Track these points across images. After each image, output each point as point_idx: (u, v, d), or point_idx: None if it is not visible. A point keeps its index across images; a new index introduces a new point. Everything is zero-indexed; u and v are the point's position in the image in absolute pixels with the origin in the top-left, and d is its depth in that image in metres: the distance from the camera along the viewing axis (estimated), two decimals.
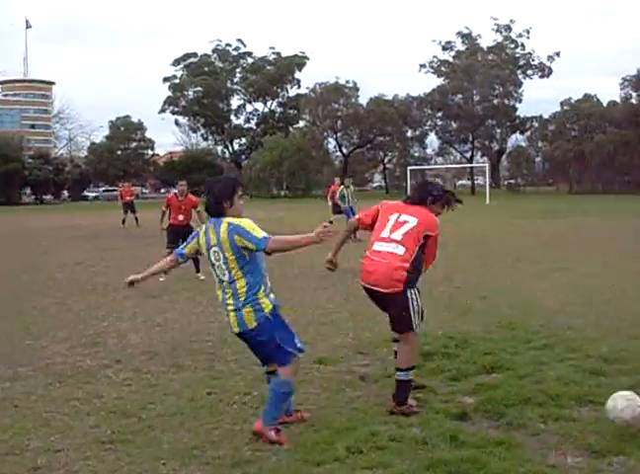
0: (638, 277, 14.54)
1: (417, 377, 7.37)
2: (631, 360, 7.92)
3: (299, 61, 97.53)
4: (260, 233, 5.72)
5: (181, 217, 15.77)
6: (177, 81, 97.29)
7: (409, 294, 6.48)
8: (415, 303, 6.54)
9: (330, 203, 26.84)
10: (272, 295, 6.05)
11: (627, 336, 9.22)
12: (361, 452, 5.44)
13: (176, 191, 16.74)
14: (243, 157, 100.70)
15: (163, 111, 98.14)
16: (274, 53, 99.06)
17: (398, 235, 6.54)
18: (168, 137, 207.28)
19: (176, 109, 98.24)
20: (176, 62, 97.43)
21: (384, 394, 6.87)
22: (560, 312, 10.94)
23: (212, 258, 5.86)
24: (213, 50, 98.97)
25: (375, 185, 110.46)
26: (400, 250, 6.48)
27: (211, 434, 6.00)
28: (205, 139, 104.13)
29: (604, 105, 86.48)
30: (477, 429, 5.99)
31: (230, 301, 5.83)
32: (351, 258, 17.38)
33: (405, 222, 6.59)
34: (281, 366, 5.92)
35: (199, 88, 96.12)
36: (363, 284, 6.73)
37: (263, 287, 5.93)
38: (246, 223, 5.77)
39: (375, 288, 6.56)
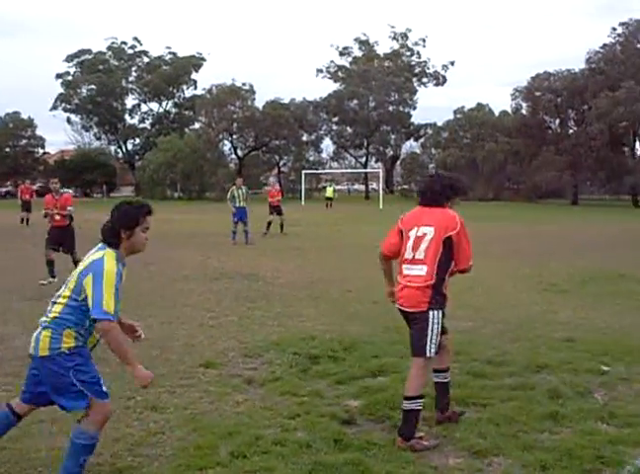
0: (522, 282, 14.92)
1: (303, 381, 7.39)
2: (514, 363, 8.11)
3: (196, 62, 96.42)
4: (109, 305, 4.87)
5: (58, 217, 15.03)
6: (70, 78, 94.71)
7: (431, 315, 6.08)
8: (435, 327, 6.09)
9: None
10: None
11: (510, 339, 9.45)
12: (245, 457, 5.38)
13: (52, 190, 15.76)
14: (137, 157, 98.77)
15: (55, 108, 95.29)
16: (170, 53, 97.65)
17: (421, 253, 6.15)
18: (60, 135, 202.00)
19: (68, 106, 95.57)
20: (69, 59, 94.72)
21: (270, 398, 6.86)
22: (448, 316, 10.90)
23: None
24: (108, 48, 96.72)
25: (269, 188, 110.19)
26: (423, 270, 6.11)
27: None
28: (99, 138, 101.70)
29: (496, 114, 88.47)
30: (362, 431, 6.01)
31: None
32: (244, 264, 17.44)
33: (424, 235, 6.19)
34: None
35: (92, 86, 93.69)
36: (397, 306, 6.47)
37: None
38: (109, 276, 4.92)
39: (402, 308, 6.38)
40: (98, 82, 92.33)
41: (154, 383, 7.19)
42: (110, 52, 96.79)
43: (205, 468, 5.22)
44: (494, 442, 5.69)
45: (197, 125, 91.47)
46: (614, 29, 72.91)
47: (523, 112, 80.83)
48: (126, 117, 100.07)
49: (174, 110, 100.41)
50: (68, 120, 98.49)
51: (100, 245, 5.14)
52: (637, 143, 76.30)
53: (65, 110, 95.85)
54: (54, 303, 5.04)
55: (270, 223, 26.69)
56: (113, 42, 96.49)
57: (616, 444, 5.69)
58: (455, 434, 5.87)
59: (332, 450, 5.50)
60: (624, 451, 5.56)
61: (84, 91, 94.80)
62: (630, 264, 18.55)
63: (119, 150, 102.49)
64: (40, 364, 4.99)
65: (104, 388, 5.08)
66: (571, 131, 79.03)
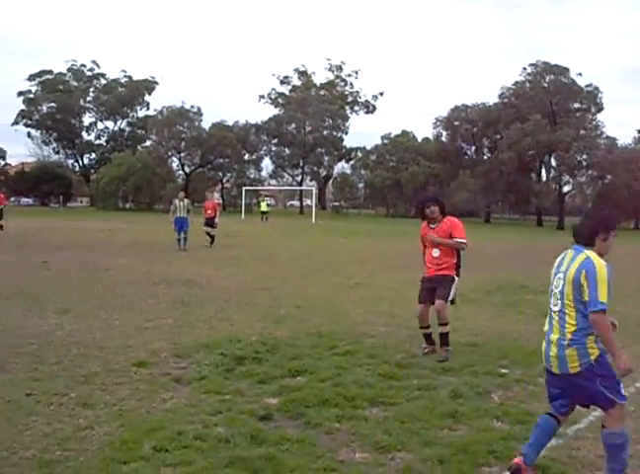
0: None
1: (228, 380, 7.26)
2: (421, 366, 8.10)
3: (149, 85, 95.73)
4: (603, 296, 4.65)
5: None
6: (31, 96, 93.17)
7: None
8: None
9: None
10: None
11: (419, 344, 9.38)
12: (167, 451, 5.22)
13: None
14: (92, 171, 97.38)
15: (16, 123, 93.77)
16: (125, 76, 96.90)
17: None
18: (21, 148, 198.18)
19: (29, 122, 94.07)
20: (31, 78, 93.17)
21: (195, 396, 6.70)
22: (364, 322, 11.05)
23: (554, 283, 5.05)
24: (68, 69, 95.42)
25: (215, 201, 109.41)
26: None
27: (23, 434, 5.56)
28: (57, 153, 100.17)
29: (419, 141, 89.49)
30: (278, 427, 5.90)
31: (554, 336, 4.97)
32: (183, 271, 17.18)
33: None
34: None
35: (52, 104, 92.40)
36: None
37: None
38: (601, 271, 4.72)
39: None
40: (58, 100, 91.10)
41: (88, 381, 7.04)
42: (70, 74, 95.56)
43: (129, 462, 5.04)
44: (398, 439, 5.64)
45: (148, 143, 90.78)
46: (525, 68, 74.59)
47: (443, 139, 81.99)
48: (84, 133, 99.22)
49: (128, 128, 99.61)
50: (29, 135, 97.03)
51: (575, 247, 5.00)
52: (543, 170, 77.85)
53: (26, 125, 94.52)
54: (560, 318, 4.92)
55: (208, 234, 26.31)
56: (72, 65, 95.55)
57: (508, 440, 5.69)
58: (363, 431, 5.80)
59: (248, 445, 5.38)
60: (515, 447, 5.53)
61: (44, 108, 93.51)
62: (532, 276, 18.79)
63: (75, 164, 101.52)
64: (567, 381, 4.93)
65: (622, 390, 4.89)
66: (485, 158, 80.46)
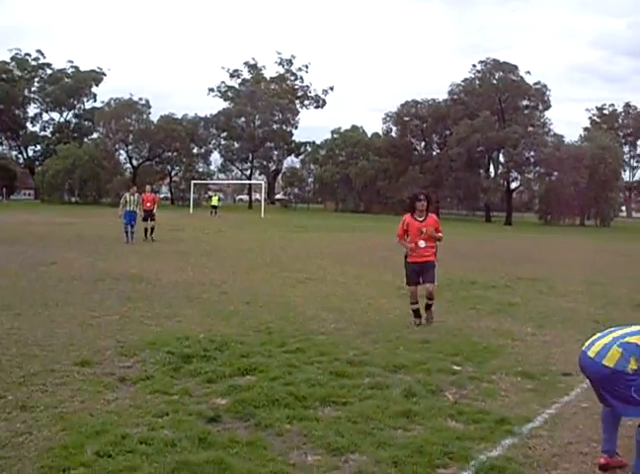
0: (385, 288, 14.89)
1: (175, 380, 7.02)
2: (373, 363, 7.96)
3: (96, 76, 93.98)
4: None
5: None
6: None
7: None
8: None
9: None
10: None
11: (371, 340, 9.30)
12: (110, 456, 4.97)
13: None
14: (37, 163, 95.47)
15: None
16: (72, 67, 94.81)
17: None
18: None
19: None
20: None
21: (140, 396, 6.43)
22: (314, 318, 10.88)
23: None
24: (12, 58, 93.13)
25: (162, 196, 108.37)
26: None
27: None
28: (0, 144, 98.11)
29: (369, 136, 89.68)
30: (227, 429, 5.69)
31: None
32: (129, 266, 16.82)
33: None
34: None
35: None
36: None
37: None
38: None
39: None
40: (1, 90, 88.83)
41: (27, 382, 6.71)
42: (13, 63, 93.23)
43: (69, 469, 4.77)
44: (351, 440, 5.48)
45: (95, 136, 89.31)
46: (474, 65, 75.07)
47: (393, 134, 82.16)
48: (28, 124, 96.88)
49: (74, 120, 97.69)
50: None
51: None
52: (491, 166, 78.59)
53: None
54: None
55: (146, 230, 26.06)
56: (16, 53, 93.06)
57: (463, 440, 5.60)
58: (315, 432, 5.62)
59: (196, 449, 5.17)
60: (471, 447, 5.47)
61: None
62: (482, 272, 18.88)
63: (19, 156, 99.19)
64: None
65: None
66: (434, 153, 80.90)
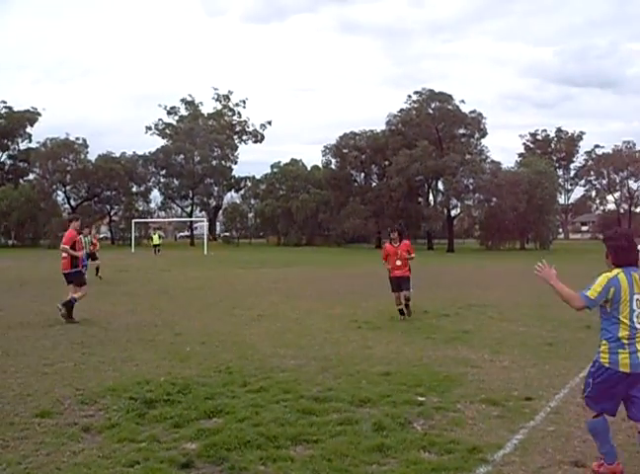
0: (338, 321, 14.90)
1: (141, 426, 6.89)
2: (339, 398, 7.93)
3: (31, 116, 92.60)
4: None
5: None
6: None
7: None
8: None
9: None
10: None
11: (333, 375, 9.28)
12: None
13: None
14: None
15: None
16: (5, 107, 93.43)
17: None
18: None
19: None
20: None
21: (108, 446, 6.27)
22: (273, 355, 10.82)
23: (635, 304, 5.55)
24: None
25: (102, 236, 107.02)
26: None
27: None
28: None
29: (309, 168, 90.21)
30: None
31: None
32: (78, 309, 16.44)
33: None
34: None
35: None
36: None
37: None
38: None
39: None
40: None
41: None
42: None
43: None
44: None
45: (31, 177, 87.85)
46: (410, 96, 76.11)
47: (333, 166, 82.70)
48: None
49: (9, 161, 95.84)
50: None
51: (633, 269, 5.65)
52: (431, 194, 79.60)
53: None
54: None
55: (97, 268, 26.37)
56: None
57: (439, 471, 5.63)
58: (290, 473, 5.57)
59: None
60: None
61: None
62: (432, 300, 19.00)
63: None
64: None
65: None
66: (374, 184, 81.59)
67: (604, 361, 5.56)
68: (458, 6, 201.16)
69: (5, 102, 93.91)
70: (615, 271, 5.63)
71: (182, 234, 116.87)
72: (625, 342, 5.49)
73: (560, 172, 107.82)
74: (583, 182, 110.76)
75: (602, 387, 5.58)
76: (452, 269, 38.08)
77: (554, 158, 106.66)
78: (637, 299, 5.53)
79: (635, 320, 5.51)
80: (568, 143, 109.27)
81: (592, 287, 5.59)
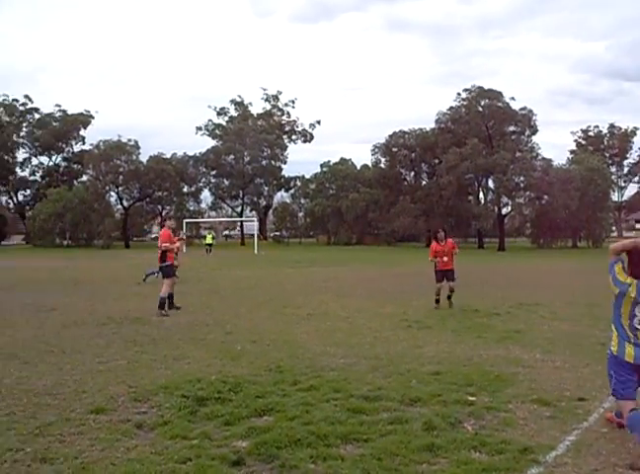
0: (388, 320, 14.86)
1: (192, 424, 6.96)
2: (389, 397, 7.90)
3: (84, 119, 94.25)
4: None
5: None
6: None
7: None
8: None
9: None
10: None
11: (383, 374, 9.25)
12: None
13: None
14: (27, 208, 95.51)
15: None
16: (60, 111, 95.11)
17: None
18: None
19: None
20: None
21: (160, 442, 6.35)
22: (323, 354, 10.83)
23: (637, 310, 6.19)
24: (0, 104, 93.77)
25: (154, 235, 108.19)
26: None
27: None
28: None
29: (358, 167, 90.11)
30: (252, 473, 5.63)
31: None
32: (130, 308, 16.74)
33: None
34: None
35: None
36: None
37: None
38: None
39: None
40: None
41: (43, 432, 6.63)
42: (1, 109, 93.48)
43: None
44: None
45: (85, 178, 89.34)
46: (459, 93, 75.61)
47: (382, 165, 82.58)
48: (17, 169, 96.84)
49: (63, 163, 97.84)
50: None
51: None
52: (481, 193, 78.92)
53: None
54: None
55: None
56: (4, 99, 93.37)
57: (490, 472, 5.57)
58: (340, 471, 5.57)
59: None
60: None
61: None
62: (482, 299, 18.88)
63: (9, 201, 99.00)
64: None
65: None
66: (424, 183, 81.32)
67: (614, 350, 6.35)
68: (508, 1, 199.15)
69: (59, 105, 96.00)
70: (629, 279, 6.26)
71: (226, 233, 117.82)
72: (630, 334, 6.20)
73: (613, 168, 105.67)
74: (637, 178, 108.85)
75: (619, 374, 6.28)
76: (503, 267, 37.74)
77: (607, 155, 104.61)
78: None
79: (635, 321, 6.18)
80: (621, 139, 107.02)
81: (615, 269, 6.38)
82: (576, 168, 73.08)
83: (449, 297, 17.29)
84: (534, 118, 74.05)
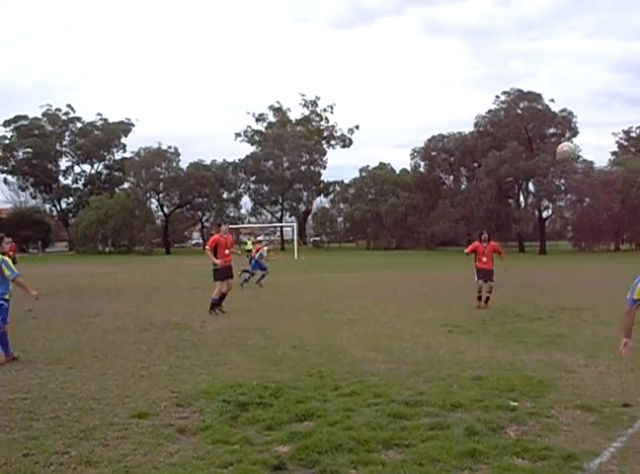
0: (429, 325, 14.78)
1: (234, 429, 6.98)
2: (430, 403, 7.86)
3: (125, 127, 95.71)
4: None
5: None
6: (7, 141, 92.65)
7: None
8: None
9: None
10: None
11: (424, 379, 9.20)
12: None
13: None
14: (70, 215, 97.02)
15: None
16: (101, 119, 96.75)
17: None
18: None
19: (5, 168, 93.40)
20: (7, 123, 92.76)
21: (202, 447, 6.38)
22: (364, 359, 10.81)
23: None
24: (43, 114, 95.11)
25: (194, 242, 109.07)
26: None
27: None
28: (34, 197, 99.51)
29: (397, 172, 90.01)
30: None
31: None
32: (171, 314, 16.87)
33: None
34: None
35: (28, 149, 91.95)
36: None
37: None
38: None
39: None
40: (34, 145, 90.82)
41: (88, 436, 6.71)
42: (45, 118, 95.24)
43: None
44: None
45: (126, 185, 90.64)
46: (498, 96, 75.19)
47: (421, 169, 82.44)
48: (60, 177, 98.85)
49: (105, 171, 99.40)
50: (5, 181, 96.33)
51: None
52: (521, 196, 78.26)
53: (2, 171, 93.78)
54: None
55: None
56: (48, 109, 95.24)
57: None
58: None
59: None
60: None
61: (20, 153, 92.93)
62: (524, 303, 18.72)
63: (53, 208, 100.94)
64: None
65: None
66: (463, 186, 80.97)
67: None
68: (545, 3, 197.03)
69: (101, 114, 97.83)
70: None
71: (259, 238, 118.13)
72: None
73: None
74: None
75: None
76: (545, 271, 37.37)
77: None
78: None
79: None
80: None
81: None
82: (618, 170, 72.21)
83: (487, 299, 18.26)
84: (575, 119, 73.51)
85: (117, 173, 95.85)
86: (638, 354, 10.86)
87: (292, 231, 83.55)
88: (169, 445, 6.48)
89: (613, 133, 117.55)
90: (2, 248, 11.25)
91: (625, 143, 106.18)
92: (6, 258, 10.84)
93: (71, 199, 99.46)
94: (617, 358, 10.61)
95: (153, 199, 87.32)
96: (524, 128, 72.86)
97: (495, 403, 7.82)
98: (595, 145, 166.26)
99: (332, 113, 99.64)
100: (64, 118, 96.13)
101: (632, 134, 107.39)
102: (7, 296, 10.78)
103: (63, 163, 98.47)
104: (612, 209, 66.82)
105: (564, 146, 14.64)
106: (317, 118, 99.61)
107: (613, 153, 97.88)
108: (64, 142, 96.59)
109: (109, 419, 7.36)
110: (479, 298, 18.33)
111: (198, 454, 6.19)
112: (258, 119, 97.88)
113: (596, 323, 14.88)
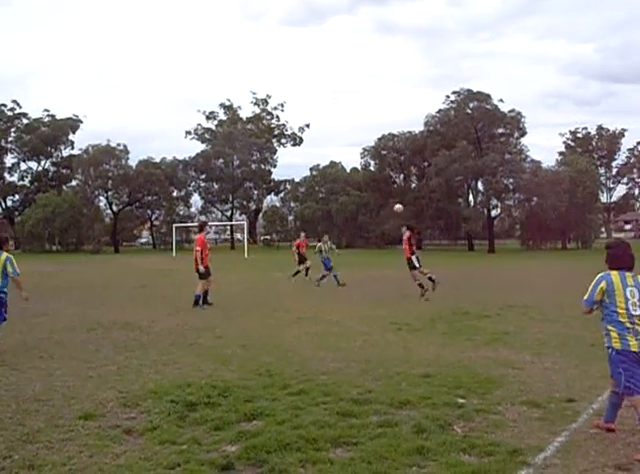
0: (378, 323, 14.85)
1: (182, 429, 6.93)
2: (378, 400, 7.90)
3: (73, 124, 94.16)
4: None
5: None
6: None
7: None
8: None
9: (295, 256, 29.93)
10: None
11: (373, 378, 9.25)
12: None
13: None
14: (16, 213, 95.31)
15: None
16: (48, 115, 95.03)
17: None
18: None
19: None
20: None
21: (149, 448, 6.33)
22: (313, 358, 10.83)
23: (628, 295, 6.50)
24: None
25: (143, 240, 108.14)
26: None
27: None
28: None
29: (348, 171, 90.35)
30: None
31: None
32: (120, 314, 16.69)
33: None
34: None
35: None
36: None
37: None
38: None
39: None
40: None
41: (32, 439, 6.59)
42: None
43: None
44: None
45: (74, 183, 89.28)
46: (448, 96, 75.87)
47: (372, 168, 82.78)
48: (6, 174, 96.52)
49: (52, 168, 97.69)
50: None
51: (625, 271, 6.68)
52: (470, 195, 79.13)
53: None
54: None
55: (307, 269, 28.93)
56: None
57: None
58: None
59: None
60: None
61: None
62: (472, 302, 18.89)
63: None
64: None
65: None
66: (413, 185, 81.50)
67: (617, 346, 6.46)
68: (497, 4, 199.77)
69: (48, 110, 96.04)
70: (609, 271, 6.73)
71: (222, 237, 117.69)
72: (629, 326, 6.42)
73: (602, 170, 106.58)
74: (625, 180, 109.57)
75: (628, 368, 6.37)
76: (493, 269, 37.83)
77: (595, 156, 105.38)
78: (630, 291, 6.51)
79: (630, 307, 6.44)
80: (609, 141, 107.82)
81: (587, 290, 6.75)
82: (565, 170, 73.48)
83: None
84: (523, 120, 74.56)
85: (64, 170, 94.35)
86: (581, 350, 11.12)
87: (243, 230, 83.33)
88: (115, 447, 6.40)
89: (561, 134, 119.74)
90: (6, 247, 12.00)
91: (572, 144, 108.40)
92: (11, 256, 11.73)
93: (17, 197, 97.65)
94: (562, 355, 10.85)
95: (102, 197, 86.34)
96: (474, 128, 73.64)
97: (443, 400, 7.90)
98: (543, 145, 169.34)
99: (283, 111, 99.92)
100: (10, 113, 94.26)
101: (579, 135, 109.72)
102: (5, 290, 11.80)
103: (9, 160, 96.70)
104: (559, 209, 67.94)
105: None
106: (268, 117, 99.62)
107: (561, 153, 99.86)
108: (10, 138, 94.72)
109: (54, 421, 7.24)
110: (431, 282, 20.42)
111: (145, 455, 6.12)
112: (208, 117, 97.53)
113: (542, 321, 15.12)
